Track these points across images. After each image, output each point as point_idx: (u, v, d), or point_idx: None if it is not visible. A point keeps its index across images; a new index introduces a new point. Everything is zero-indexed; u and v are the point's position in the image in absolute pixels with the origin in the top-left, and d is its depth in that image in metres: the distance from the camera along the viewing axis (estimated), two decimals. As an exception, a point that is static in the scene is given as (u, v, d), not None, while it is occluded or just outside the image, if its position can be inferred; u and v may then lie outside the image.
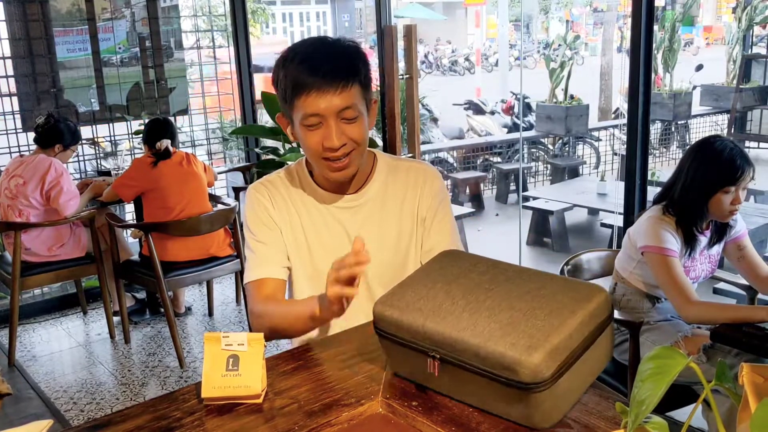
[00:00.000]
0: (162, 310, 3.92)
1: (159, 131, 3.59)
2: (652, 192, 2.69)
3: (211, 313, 4.10)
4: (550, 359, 0.98)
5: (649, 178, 2.96)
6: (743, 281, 2.44)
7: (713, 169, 2.16)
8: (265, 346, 1.20)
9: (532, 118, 8.02)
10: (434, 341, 1.08)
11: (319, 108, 1.36)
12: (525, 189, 6.68)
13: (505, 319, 1.05)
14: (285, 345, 2.20)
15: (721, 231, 2.30)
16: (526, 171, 7.33)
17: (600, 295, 1.07)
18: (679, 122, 8.01)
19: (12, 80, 4.33)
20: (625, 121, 3.22)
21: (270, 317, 1.44)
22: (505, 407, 1.04)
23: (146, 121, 3.97)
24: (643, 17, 2.73)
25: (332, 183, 1.52)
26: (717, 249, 2.33)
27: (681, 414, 2.09)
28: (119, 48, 4.80)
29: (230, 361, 1.17)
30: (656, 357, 0.76)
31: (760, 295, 2.45)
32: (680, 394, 1.96)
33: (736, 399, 0.79)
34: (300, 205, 1.54)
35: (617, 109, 9.26)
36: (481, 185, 6.96)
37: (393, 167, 1.59)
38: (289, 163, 1.65)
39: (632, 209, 2.90)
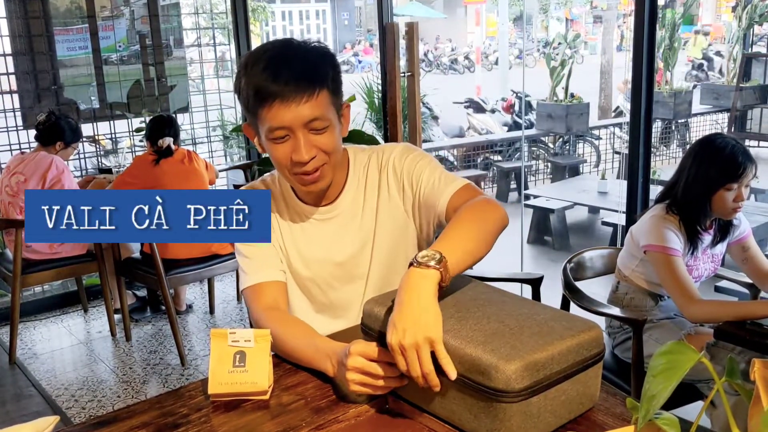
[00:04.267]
0: (163, 307, 3.92)
1: (162, 129, 3.58)
2: (654, 190, 2.69)
3: (212, 311, 4.09)
4: (526, 371, 0.96)
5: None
6: (745, 279, 2.44)
7: (715, 166, 2.15)
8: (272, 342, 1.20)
9: (532, 116, 8.01)
10: None
11: (284, 120, 1.26)
12: (526, 187, 6.67)
13: (490, 330, 1.04)
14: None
15: (724, 230, 2.29)
16: (526, 169, 7.32)
17: (593, 330, 1.05)
18: (679, 121, 8.02)
19: (13, 77, 4.33)
20: (625, 119, 3.22)
21: (279, 342, 1.29)
22: (472, 420, 1.01)
23: (147, 118, 3.97)
24: (646, 16, 2.73)
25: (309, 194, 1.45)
26: (720, 248, 2.33)
27: (682, 412, 2.08)
28: (119, 46, 4.80)
29: (237, 358, 1.17)
30: (668, 352, 0.76)
31: (762, 293, 2.45)
32: (681, 393, 1.96)
33: (747, 395, 0.78)
34: (282, 216, 1.48)
35: (617, 107, 9.26)
36: (482, 183, 6.95)
37: (363, 162, 1.49)
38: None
39: (635, 207, 2.90)
